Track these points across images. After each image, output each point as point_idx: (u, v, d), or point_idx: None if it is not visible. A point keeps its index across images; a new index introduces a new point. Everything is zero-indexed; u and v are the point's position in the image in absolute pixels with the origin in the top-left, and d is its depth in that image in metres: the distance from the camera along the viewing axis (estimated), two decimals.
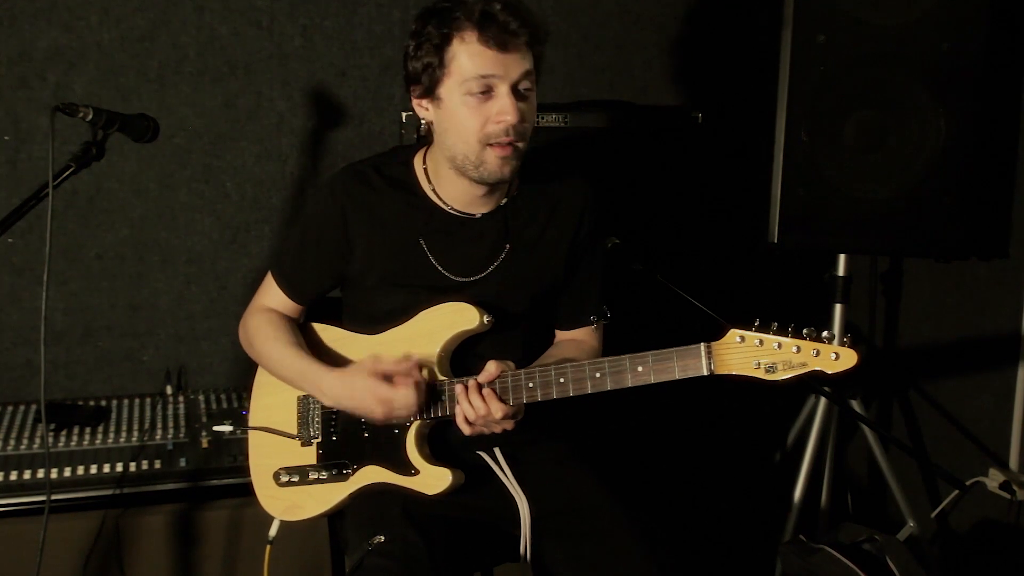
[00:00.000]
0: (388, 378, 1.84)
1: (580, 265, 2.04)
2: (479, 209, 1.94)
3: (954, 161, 2.50)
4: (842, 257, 2.71)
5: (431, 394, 1.87)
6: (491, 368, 1.83)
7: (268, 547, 2.04)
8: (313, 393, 1.96)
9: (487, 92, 1.78)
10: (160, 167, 2.71)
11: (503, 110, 1.78)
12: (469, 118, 1.80)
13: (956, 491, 2.88)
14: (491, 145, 1.80)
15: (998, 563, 2.84)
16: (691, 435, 2.84)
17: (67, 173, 1.81)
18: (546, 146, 2.51)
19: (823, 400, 2.74)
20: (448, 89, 1.80)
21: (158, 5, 2.64)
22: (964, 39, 2.46)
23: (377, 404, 1.83)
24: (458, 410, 1.83)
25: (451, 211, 1.94)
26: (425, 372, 1.88)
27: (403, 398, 1.82)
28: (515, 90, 1.79)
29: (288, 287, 2.03)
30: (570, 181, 2.03)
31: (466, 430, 1.84)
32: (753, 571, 2.79)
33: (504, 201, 1.96)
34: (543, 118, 2.53)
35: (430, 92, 1.83)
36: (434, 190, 1.94)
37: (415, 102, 1.88)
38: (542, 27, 1.82)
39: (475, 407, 1.81)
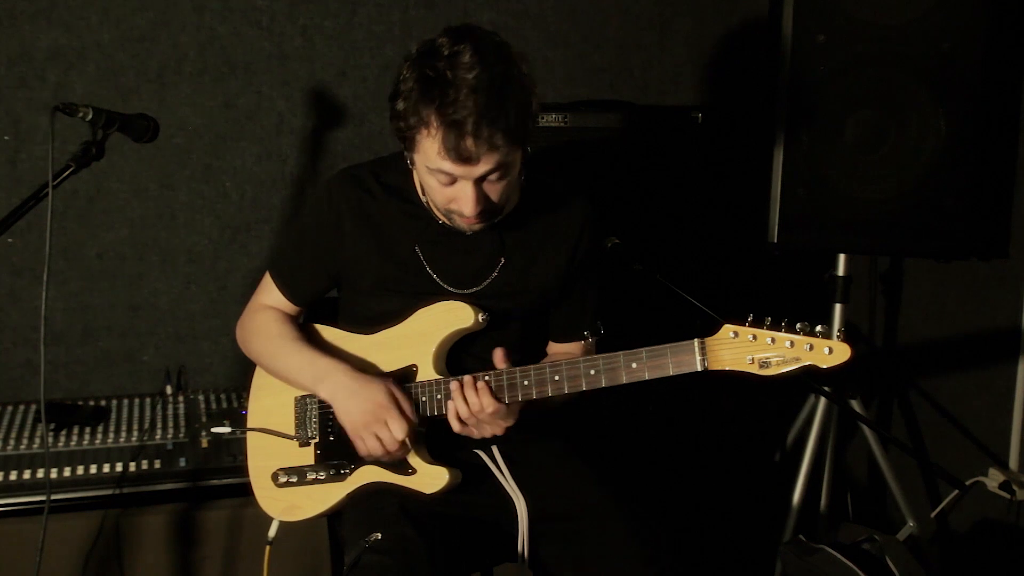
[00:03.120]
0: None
1: (577, 280, 2.03)
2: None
3: (954, 161, 2.50)
4: (842, 257, 2.71)
5: (431, 379, 1.88)
6: (499, 354, 1.83)
7: (268, 547, 2.04)
8: (312, 383, 1.93)
9: (452, 179, 1.75)
10: (160, 167, 2.71)
11: (463, 202, 1.76)
12: (435, 191, 1.80)
13: (956, 491, 2.88)
14: (456, 214, 1.81)
15: (998, 563, 2.84)
16: (690, 435, 2.84)
17: (67, 173, 1.81)
18: (546, 147, 2.52)
19: (823, 400, 2.74)
20: (418, 160, 1.79)
21: (158, 5, 2.64)
22: (964, 39, 2.46)
23: (377, 407, 1.83)
24: (450, 406, 1.83)
25: (446, 224, 1.94)
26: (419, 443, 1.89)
27: (398, 419, 1.82)
28: (482, 179, 1.75)
29: (285, 288, 2.03)
30: (570, 195, 2.01)
31: (456, 427, 1.84)
32: (753, 571, 2.79)
33: (498, 218, 1.95)
34: (543, 118, 2.53)
35: (406, 150, 1.82)
36: (429, 202, 1.94)
37: (403, 146, 1.85)
38: (520, 121, 1.72)
39: (469, 403, 1.81)
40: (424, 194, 1.92)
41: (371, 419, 1.83)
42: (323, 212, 1.96)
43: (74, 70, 2.61)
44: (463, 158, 1.69)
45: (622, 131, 2.64)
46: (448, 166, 1.71)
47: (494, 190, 1.78)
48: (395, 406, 1.84)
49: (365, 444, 1.85)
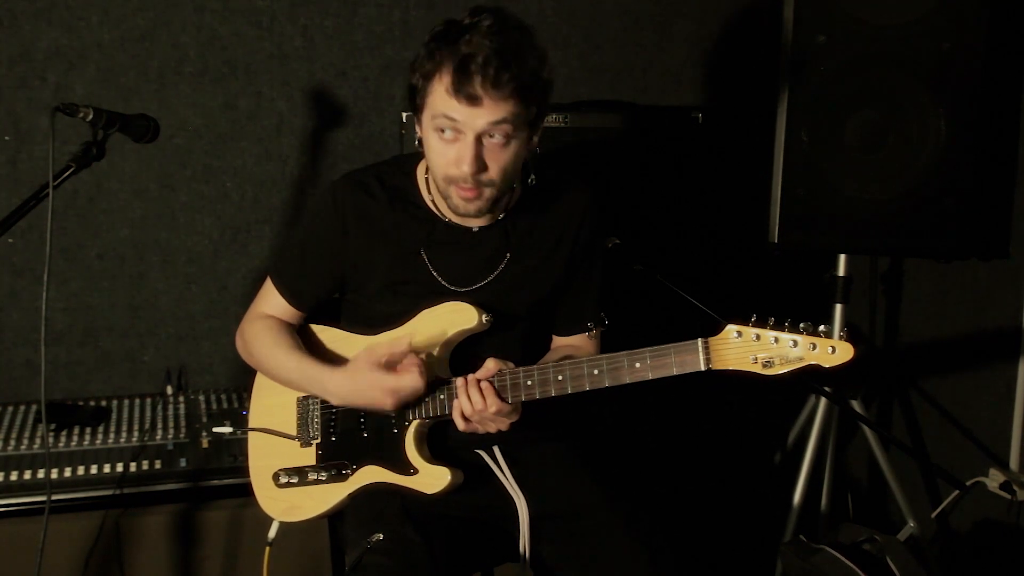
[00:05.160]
0: (390, 367, 1.85)
1: (579, 271, 2.04)
2: (478, 223, 1.94)
3: (954, 161, 2.50)
4: (842, 257, 2.71)
5: (434, 380, 1.87)
6: (490, 365, 1.83)
7: (268, 548, 2.04)
8: (320, 395, 1.96)
9: (455, 133, 1.75)
10: (160, 167, 2.71)
11: (460, 158, 1.75)
12: (437, 154, 1.80)
13: (956, 491, 2.88)
14: (455, 184, 1.80)
15: (998, 563, 2.84)
16: (691, 435, 2.84)
17: (67, 173, 1.81)
18: (546, 147, 2.51)
19: (823, 400, 2.74)
20: (425, 119, 1.80)
21: (158, 5, 2.64)
22: (964, 39, 2.46)
23: (385, 395, 1.83)
24: (455, 404, 1.83)
25: (451, 222, 1.94)
26: (423, 355, 1.88)
27: (409, 383, 1.83)
28: (484, 138, 1.75)
29: (288, 293, 2.03)
30: (570, 186, 2.02)
31: (461, 425, 1.84)
32: (753, 571, 2.79)
33: (503, 215, 1.96)
34: None
35: (417, 114, 1.83)
36: (434, 201, 1.94)
37: (415, 116, 1.87)
38: (532, 77, 1.73)
39: (473, 401, 1.81)
40: (429, 192, 1.92)
41: (389, 396, 1.84)
42: (328, 217, 1.96)
43: (74, 70, 2.61)
44: (469, 97, 1.69)
45: (622, 131, 2.65)
46: (453, 108, 1.71)
47: (494, 156, 1.77)
48: (388, 375, 1.83)
49: (407, 402, 1.86)
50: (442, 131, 1.76)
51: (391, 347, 1.86)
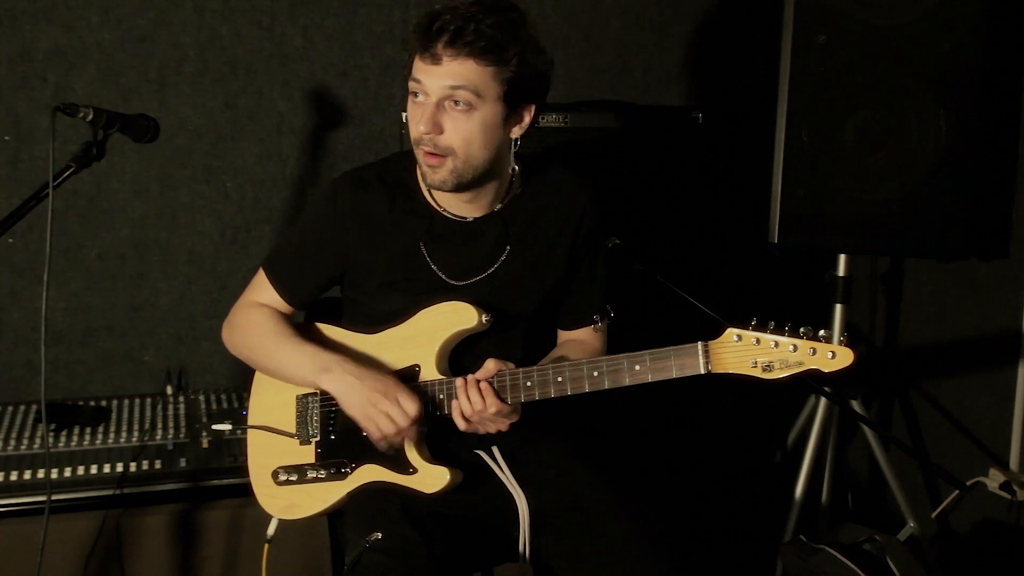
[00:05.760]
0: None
1: (581, 265, 2.04)
2: (472, 213, 1.94)
3: (954, 161, 2.50)
4: (842, 257, 2.71)
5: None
6: (489, 365, 1.83)
7: (266, 546, 2.04)
8: (315, 376, 1.90)
9: (424, 96, 1.78)
10: (160, 167, 2.71)
11: (417, 117, 1.79)
12: (409, 119, 1.84)
13: (956, 491, 2.88)
14: (420, 148, 1.82)
15: (998, 563, 2.84)
16: (691, 434, 2.84)
17: (67, 173, 1.81)
18: (546, 147, 2.52)
19: (823, 400, 2.74)
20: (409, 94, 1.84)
21: (158, 5, 2.64)
22: (964, 39, 2.46)
23: (382, 393, 1.82)
24: (455, 405, 1.83)
25: (450, 216, 1.94)
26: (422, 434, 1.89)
27: (409, 400, 1.82)
28: (448, 104, 1.77)
29: (282, 288, 2.02)
30: (570, 182, 2.02)
31: (462, 425, 1.84)
32: (753, 571, 2.79)
33: (499, 206, 1.96)
34: (543, 118, 2.53)
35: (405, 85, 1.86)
36: (430, 191, 1.94)
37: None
38: (494, 43, 1.73)
39: (472, 402, 1.81)
40: (424, 180, 1.92)
41: (380, 397, 1.82)
42: (327, 214, 1.96)
43: (74, 70, 2.61)
44: (432, 56, 1.73)
45: (622, 131, 2.65)
46: (418, 68, 1.76)
47: (454, 124, 1.78)
48: (403, 388, 1.84)
49: (377, 425, 1.83)
50: (415, 95, 1.80)
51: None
